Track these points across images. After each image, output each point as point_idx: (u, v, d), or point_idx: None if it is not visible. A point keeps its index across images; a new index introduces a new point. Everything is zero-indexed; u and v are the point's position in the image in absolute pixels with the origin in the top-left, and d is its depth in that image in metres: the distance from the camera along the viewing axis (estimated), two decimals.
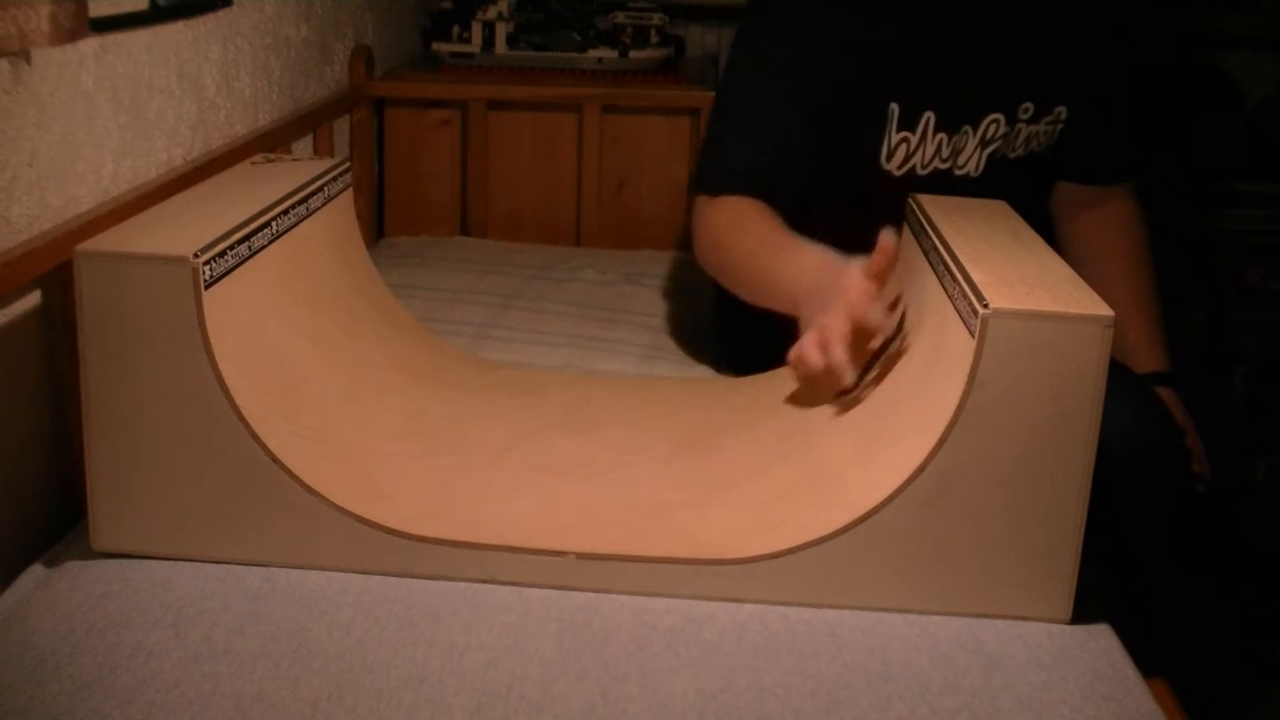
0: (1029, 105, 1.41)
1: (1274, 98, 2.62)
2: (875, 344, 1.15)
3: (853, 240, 1.18)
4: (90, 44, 1.18)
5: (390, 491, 1.09)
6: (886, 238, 1.10)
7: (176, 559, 1.04)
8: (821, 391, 1.17)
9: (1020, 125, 1.41)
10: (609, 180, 2.15)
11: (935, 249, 1.15)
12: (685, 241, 2.12)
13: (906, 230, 1.31)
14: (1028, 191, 1.48)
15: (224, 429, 1.01)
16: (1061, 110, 1.43)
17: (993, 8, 1.37)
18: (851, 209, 1.41)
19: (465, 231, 2.17)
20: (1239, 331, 2.44)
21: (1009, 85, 1.39)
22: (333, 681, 0.90)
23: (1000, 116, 1.40)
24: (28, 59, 1.08)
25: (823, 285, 1.14)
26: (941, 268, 1.11)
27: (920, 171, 1.40)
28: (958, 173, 1.42)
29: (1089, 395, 0.96)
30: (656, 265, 1.95)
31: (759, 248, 1.29)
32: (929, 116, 1.37)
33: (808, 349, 1.10)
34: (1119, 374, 1.02)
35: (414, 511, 1.06)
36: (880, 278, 1.10)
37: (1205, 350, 2.40)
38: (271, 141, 1.60)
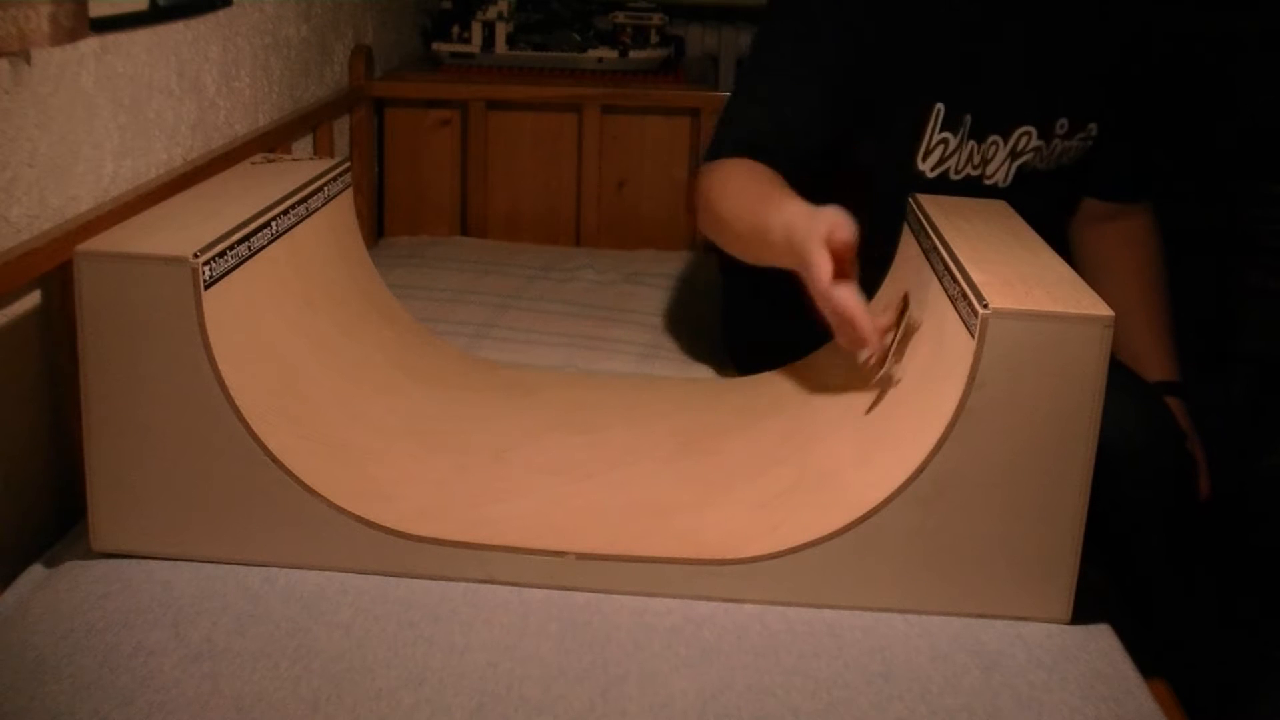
0: (1064, 121, 1.40)
1: (1274, 98, 2.61)
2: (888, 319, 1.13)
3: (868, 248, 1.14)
4: (90, 44, 1.18)
5: (390, 492, 1.09)
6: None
7: (176, 559, 1.04)
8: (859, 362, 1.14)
9: (1056, 141, 1.40)
10: (609, 180, 2.15)
11: (935, 249, 1.15)
12: (686, 241, 2.13)
13: (907, 230, 1.31)
14: (1055, 206, 1.47)
15: (224, 429, 1.01)
16: (1093, 127, 1.42)
17: (1037, 22, 1.36)
18: (872, 212, 1.38)
19: (465, 231, 2.17)
20: (1239, 332, 2.44)
21: (1046, 100, 1.38)
22: (333, 681, 0.90)
23: (1032, 130, 1.38)
24: (28, 59, 1.08)
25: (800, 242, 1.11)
26: (941, 268, 1.11)
27: (954, 176, 1.38)
28: (986, 182, 1.39)
29: (1089, 395, 0.96)
30: (656, 265, 1.95)
31: (744, 201, 1.26)
32: (968, 120, 1.35)
33: (861, 320, 1.07)
34: (1120, 374, 1.01)
35: (414, 512, 1.06)
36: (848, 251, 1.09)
37: (1205, 350, 2.40)
38: (271, 141, 1.60)
